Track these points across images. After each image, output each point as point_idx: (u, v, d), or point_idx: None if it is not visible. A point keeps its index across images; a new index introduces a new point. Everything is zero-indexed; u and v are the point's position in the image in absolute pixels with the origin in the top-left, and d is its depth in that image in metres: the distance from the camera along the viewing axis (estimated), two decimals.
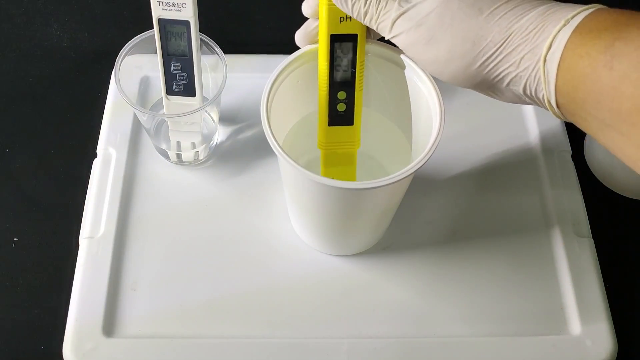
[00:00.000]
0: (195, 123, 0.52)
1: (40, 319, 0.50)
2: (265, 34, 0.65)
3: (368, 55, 0.45)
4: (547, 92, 0.34)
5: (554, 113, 0.35)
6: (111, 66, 0.51)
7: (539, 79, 0.34)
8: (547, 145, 0.57)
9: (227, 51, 0.52)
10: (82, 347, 0.46)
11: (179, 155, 0.55)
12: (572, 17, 0.33)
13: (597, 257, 0.52)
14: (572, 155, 0.57)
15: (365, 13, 0.39)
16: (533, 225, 0.53)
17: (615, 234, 0.55)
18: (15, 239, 0.53)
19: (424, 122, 0.44)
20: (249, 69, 0.60)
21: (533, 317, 0.49)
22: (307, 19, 0.44)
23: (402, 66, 0.44)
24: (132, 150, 0.56)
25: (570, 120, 0.35)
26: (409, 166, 0.40)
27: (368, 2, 0.38)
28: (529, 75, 0.35)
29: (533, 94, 0.35)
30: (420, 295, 0.50)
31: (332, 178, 0.47)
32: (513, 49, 0.34)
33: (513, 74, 0.35)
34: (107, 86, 0.60)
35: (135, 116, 0.57)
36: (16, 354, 0.49)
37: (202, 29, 0.48)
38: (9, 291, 0.51)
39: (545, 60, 0.33)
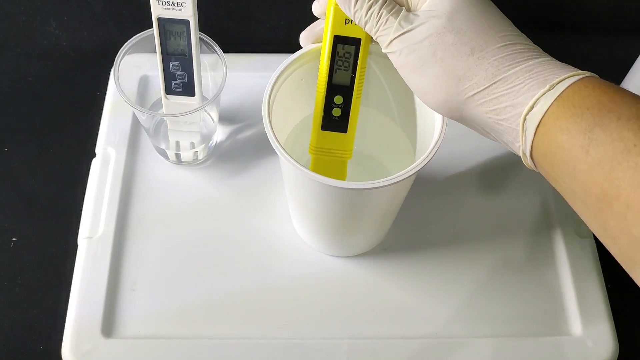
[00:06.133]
0: (194, 123, 0.52)
1: (39, 319, 0.50)
2: (265, 33, 0.65)
3: (372, 55, 0.44)
4: (523, 145, 0.35)
5: (527, 164, 0.36)
6: (110, 65, 0.51)
7: (516, 132, 0.35)
8: None
9: (226, 50, 0.51)
10: (81, 347, 0.46)
11: (178, 155, 0.54)
12: (558, 83, 0.33)
13: (598, 257, 0.51)
14: None
15: (366, 23, 0.38)
16: (534, 226, 0.53)
17: None
18: (14, 239, 0.53)
19: (427, 123, 0.44)
20: (248, 68, 0.60)
21: (534, 317, 0.49)
22: (314, 19, 0.43)
23: None
24: (131, 149, 0.56)
25: (541, 173, 0.36)
26: (411, 166, 0.40)
27: (369, 14, 0.38)
28: (507, 126, 0.35)
29: (508, 143, 0.36)
30: (421, 296, 0.50)
31: None
32: (495, 97, 0.35)
33: (491, 120, 0.36)
34: (106, 85, 0.59)
35: (134, 116, 0.57)
36: (15, 354, 0.48)
37: (202, 28, 0.48)
38: (7, 291, 0.51)
39: (525, 119, 0.34)
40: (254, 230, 0.52)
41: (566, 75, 0.33)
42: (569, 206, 0.53)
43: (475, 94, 0.35)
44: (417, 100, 0.45)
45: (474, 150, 0.56)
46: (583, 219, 0.34)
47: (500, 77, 0.35)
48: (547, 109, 0.33)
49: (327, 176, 0.40)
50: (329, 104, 0.44)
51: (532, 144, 0.34)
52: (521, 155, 0.36)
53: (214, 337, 0.47)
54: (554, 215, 0.53)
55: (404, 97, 0.46)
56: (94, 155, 0.55)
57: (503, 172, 0.56)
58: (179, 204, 0.53)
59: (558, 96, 0.33)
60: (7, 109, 0.60)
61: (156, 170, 0.55)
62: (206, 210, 0.53)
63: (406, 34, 0.37)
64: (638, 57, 0.58)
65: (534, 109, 0.33)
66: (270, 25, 0.65)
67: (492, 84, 0.35)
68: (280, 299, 0.49)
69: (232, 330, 0.48)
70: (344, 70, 0.43)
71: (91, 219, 0.52)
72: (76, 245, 0.51)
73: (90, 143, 0.56)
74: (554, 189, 0.54)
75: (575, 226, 0.53)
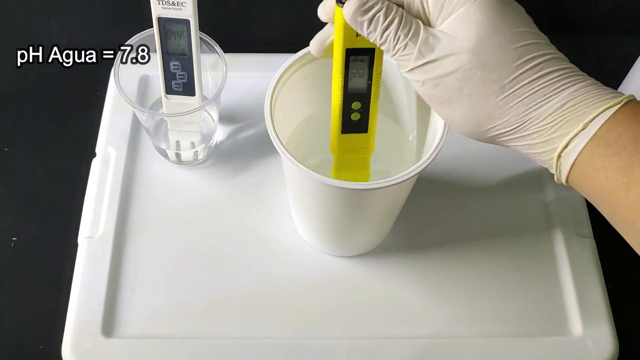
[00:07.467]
0: (194, 122, 0.52)
1: (39, 318, 0.50)
2: (266, 33, 0.65)
3: None
4: (558, 175, 0.34)
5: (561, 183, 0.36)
6: (110, 65, 0.51)
7: (550, 164, 0.34)
8: None
9: (227, 50, 0.51)
10: (81, 347, 0.46)
11: (178, 155, 0.54)
12: (591, 121, 0.32)
13: (598, 257, 0.51)
14: None
15: (381, 45, 0.36)
16: (535, 226, 0.53)
17: (616, 235, 0.54)
18: (14, 238, 0.53)
19: (429, 124, 0.44)
20: (249, 68, 0.60)
21: (534, 317, 0.49)
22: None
23: None
24: (132, 149, 0.55)
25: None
26: (413, 167, 0.39)
27: (385, 37, 0.35)
28: (541, 159, 0.35)
29: (543, 167, 0.36)
30: (422, 296, 0.49)
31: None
32: (527, 134, 0.34)
33: (525, 151, 0.35)
34: (106, 85, 0.59)
35: (134, 115, 0.57)
36: (15, 353, 0.48)
37: (202, 27, 0.48)
38: (8, 291, 0.51)
39: (559, 156, 0.33)
40: (254, 230, 0.52)
41: (599, 111, 0.32)
42: (569, 206, 0.54)
43: (506, 131, 0.35)
44: (418, 102, 0.45)
45: (475, 151, 0.56)
46: (626, 240, 0.35)
47: (532, 116, 0.33)
48: (582, 149, 0.32)
49: (351, 172, 0.38)
50: (347, 110, 0.42)
51: (568, 177, 0.34)
52: (556, 180, 0.35)
53: (214, 337, 0.47)
54: (554, 215, 0.53)
55: (407, 98, 0.46)
56: (94, 155, 0.55)
57: (503, 173, 0.56)
58: (179, 203, 0.53)
59: (593, 136, 0.32)
60: (7, 109, 0.60)
61: (156, 170, 0.55)
62: (206, 210, 0.53)
63: (428, 65, 0.34)
64: (638, 57, 0.58)
65: (568, 147, 0.33)
66: (270, 25, 0.65)
67: (523, 123, 0.34)
68: (281, 298, 0.49)
69: (232, 330, 0.48)
70: (359, 77, 0.41)
71: (91, 218, 0.52)
72: (76, 245, 0.51)
73: (91, 143, 0.56)
74: (554, 189, 0.55)
75: (575, 226, 0.53)
